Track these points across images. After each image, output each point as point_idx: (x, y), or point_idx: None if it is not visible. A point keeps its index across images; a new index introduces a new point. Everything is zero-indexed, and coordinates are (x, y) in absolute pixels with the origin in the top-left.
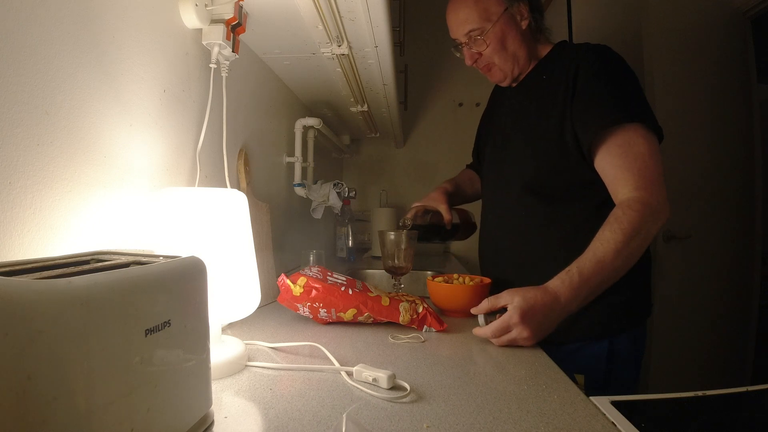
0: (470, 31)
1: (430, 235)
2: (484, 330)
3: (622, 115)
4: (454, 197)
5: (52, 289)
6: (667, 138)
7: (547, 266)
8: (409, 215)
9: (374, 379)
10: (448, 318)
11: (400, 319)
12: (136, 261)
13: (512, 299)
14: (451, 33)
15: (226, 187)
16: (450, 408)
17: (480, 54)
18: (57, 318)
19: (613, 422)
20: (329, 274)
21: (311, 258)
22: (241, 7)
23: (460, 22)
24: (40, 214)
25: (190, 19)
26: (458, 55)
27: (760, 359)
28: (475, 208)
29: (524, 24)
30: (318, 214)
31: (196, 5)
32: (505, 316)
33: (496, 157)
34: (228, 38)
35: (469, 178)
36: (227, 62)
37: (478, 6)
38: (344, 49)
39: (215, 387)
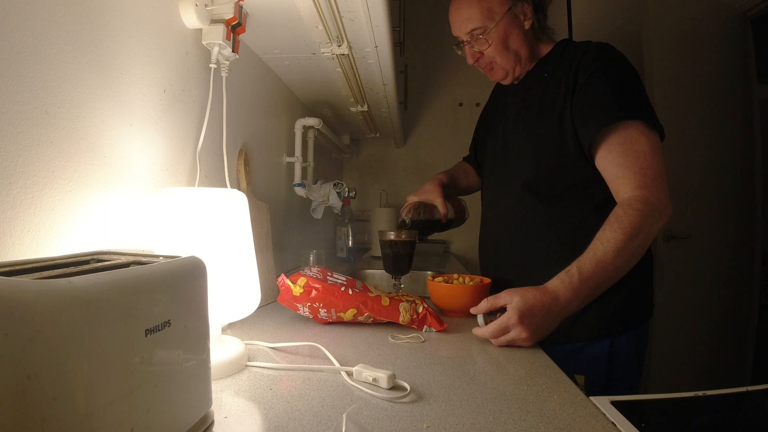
0: (473, 30)
1: (426, 230)
2: (483, 330)
3: (622, 112)
4: (449, 189)
5: (52, 289)
6: (667, 138)
7: (547, 266)
8: (404, 211)
9: (374, 379)
10: (448, 318)
11: (400, 319)
12: (136, 261)
13: (511, 299)
14: (453, 31)
15: (226, 187)
16: (450, 408)
17: (482, 53)
18: (57, 318)
19: (613, 422)
20: (329, 274)
21: (311, 258)
22: (241, 7)
23: (463, 21)
24: (40, 214)
25: (190, 19)
26: (460, 53)
27: (760, 359)
28: (471, 200)
29: (527, 24)
30: (318, 214)
31: (196, 5)
32: (504, 316)
33: (497, 156)
34: (228, 38)
35: (464, 171)
36: (227, 62)
37: (482, 5)
38: (344, 49)
39: (215, 387)
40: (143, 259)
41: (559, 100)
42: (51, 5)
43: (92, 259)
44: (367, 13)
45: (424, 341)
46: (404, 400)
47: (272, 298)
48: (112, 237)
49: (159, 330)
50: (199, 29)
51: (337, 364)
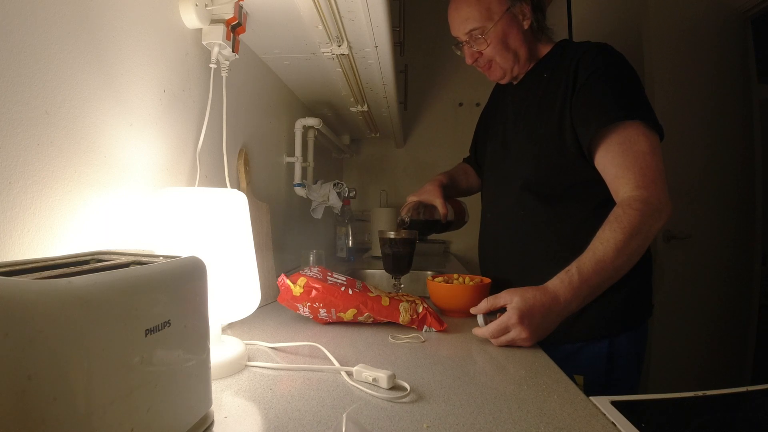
0: (471, 30)
1: (425, 230)
2: (483, 330)
3: (622, 112)
4: (449, 190)
5: (52, 289)
6: (666, 138)
7: (547, 266)
8: (404, 211)
9: (374, 379)
10: (448, 318)
11: (400, 319)
12: (136, 261)
13: (511, 299)
14: (452, 31)
15: (226, 187)
16: (450, 408)
17: (480, 53)
18: (57, 318)
19: (613, 422)
20: (329, 274)
21: (311, 258)
22: (241, 7)
23: (462, 21)
24: (40, 214)
25: (190, 19)
26: (459, 53)
27: (760, 359)
28: (471, 200)
29: (526, 24)
30: (318, 214)
31: (196, 5)
32: (504, 316)
33: (497, 156)
34: (228, 38)
35: (464, 172)
36: (227, 62)
37: (480, 5)
38: (344, 49)
39: (215, 387)
40: (143, 259)
41: (559, 100)
42: (51, 5)
43: (92, 259)
44: (367, 13)
45: (424, 341)
46: (404, 400)
47: (272, 298)
48: (112, 237)
49: (159, 330)
50: (199, 29)
51: (337, 364)
